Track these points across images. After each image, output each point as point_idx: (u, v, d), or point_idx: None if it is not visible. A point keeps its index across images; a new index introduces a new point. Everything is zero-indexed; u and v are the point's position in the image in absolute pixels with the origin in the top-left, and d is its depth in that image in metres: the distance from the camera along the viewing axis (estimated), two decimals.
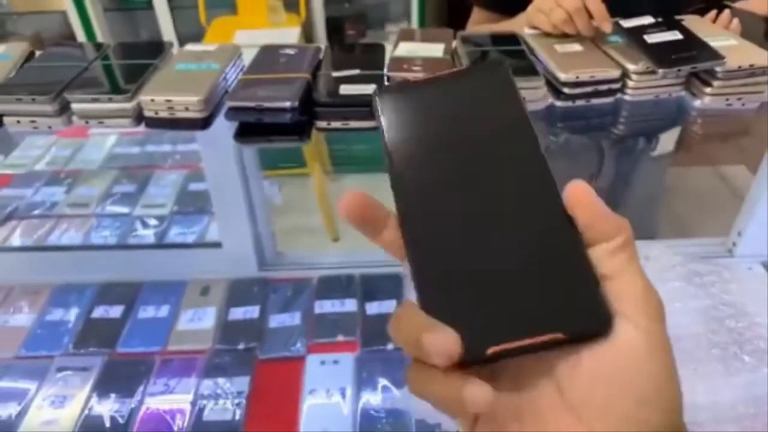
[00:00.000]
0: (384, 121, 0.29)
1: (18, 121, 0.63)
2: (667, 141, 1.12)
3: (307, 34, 2.34)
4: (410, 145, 0.28)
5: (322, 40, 2.41)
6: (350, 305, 0.95)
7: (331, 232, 2.01)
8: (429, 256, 0.26)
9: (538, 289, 0.25)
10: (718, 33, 0.70)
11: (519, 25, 0.87)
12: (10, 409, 0.80)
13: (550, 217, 0.26)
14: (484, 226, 0.26)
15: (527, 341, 0.24)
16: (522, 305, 0.25)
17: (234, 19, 2.26)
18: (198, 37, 2.19)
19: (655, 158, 1.13)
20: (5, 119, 0.64)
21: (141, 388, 0.82)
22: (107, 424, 0.77)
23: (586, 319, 0.24)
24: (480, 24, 1.07)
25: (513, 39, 0.74)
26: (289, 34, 2.08)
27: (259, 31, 2.11)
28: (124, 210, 1.19)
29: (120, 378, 0.84)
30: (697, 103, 0.65)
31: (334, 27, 2.47)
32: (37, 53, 0.73)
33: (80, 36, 2.32)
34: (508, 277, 0.25)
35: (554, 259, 0.25)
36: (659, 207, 1.24)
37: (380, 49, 0.72)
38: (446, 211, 0.27)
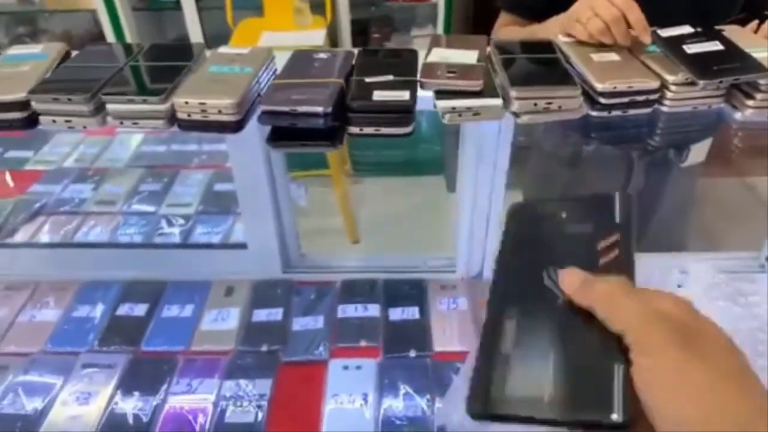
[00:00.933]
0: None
1: (54, 121, 0.64)
2: (698, 152, 1.10)
3: (333, 37, 2.34)
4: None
5: (347, 43, 2.41)
6: (373, 310, 0.94)
7: (351, 235, 2.01)
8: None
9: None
10: (760, 44, 0.68)
11: (549, 30, 0.86)
12: (36, 404, 0.80)
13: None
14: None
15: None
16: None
17: (260, 20, 2.27)
18: (225, 37, 2.20)
19: (685, 169, 1.11)
20: (41, 118, 0.64)
21: (164, 387, 0.82)
22: (131, 422, 0.78)
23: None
24: (506, 27, 1.06)
25: (548, 46, 0.73)
26: (314, 37, 2.08)
27: (285, 33, 2.12)
28: (150, 208, 1.20)
29: (144, 376, 0.84)
30: (738, 115, 0.64)
31: (359, 30, 2.46)
32: (73, 53, 0.74)
33: (109, 35, 2.34)
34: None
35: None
36: (689, 218, 1.21)
37: (413, 54, 0.72)
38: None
